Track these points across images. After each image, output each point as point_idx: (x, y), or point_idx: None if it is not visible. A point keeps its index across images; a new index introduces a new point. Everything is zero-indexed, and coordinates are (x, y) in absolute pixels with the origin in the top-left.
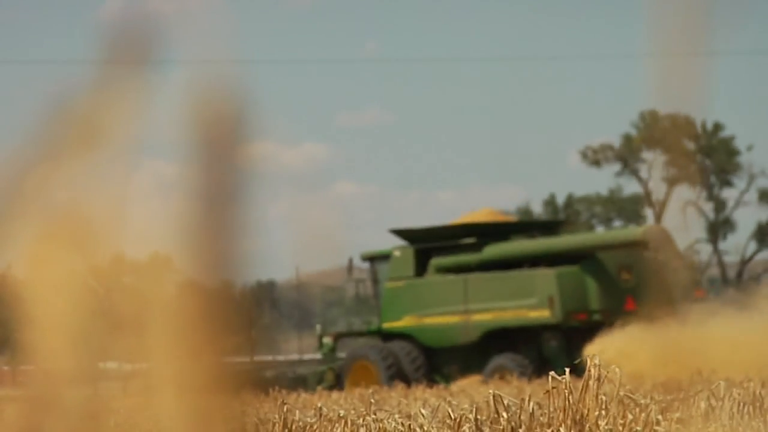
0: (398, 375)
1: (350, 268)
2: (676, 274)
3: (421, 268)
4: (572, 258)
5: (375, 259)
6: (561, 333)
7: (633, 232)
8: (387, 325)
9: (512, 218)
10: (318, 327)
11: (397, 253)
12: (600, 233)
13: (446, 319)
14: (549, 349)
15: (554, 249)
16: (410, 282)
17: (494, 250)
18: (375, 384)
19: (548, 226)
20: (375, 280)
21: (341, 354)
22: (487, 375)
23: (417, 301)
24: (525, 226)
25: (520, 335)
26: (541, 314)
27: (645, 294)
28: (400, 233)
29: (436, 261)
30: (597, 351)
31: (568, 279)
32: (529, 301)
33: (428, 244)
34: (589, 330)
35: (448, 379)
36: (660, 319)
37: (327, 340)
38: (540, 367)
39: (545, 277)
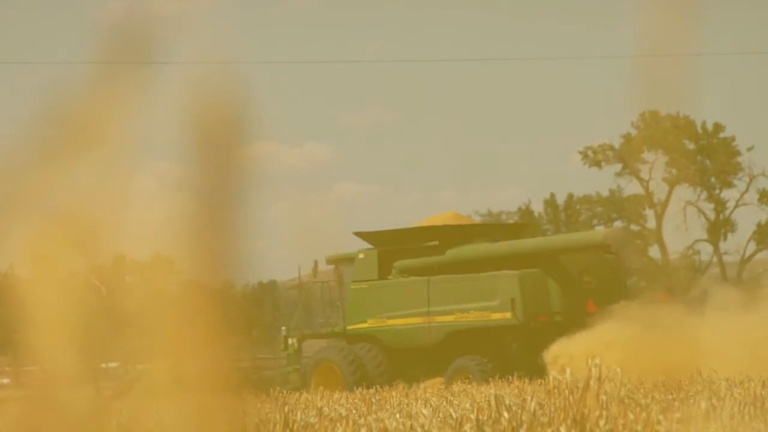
0: (362, 377)
1: (315, 270)
2: (636, 277)
3: (384, 271)
4: (534, 260)
5: (340, 261)
6: (523, 334)
7: (594, 235)
8: (351, 327)
9: (475, 222)
10: (283, 329)
11: (361, 256)
12: (562, 236)
13: (409, 321)
14: (511, 350)
15: (516, 251)
16: (374, 284)
17: (457, 252)
18: (340, 386)
19: (511, 229)
20: (340, 283)
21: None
22: (449, 376)
23: (381, 303)
24: (487, 228)
25: (482, 337)
26: (504, 316)
27: (606, 296)
28: (365, 236)
29: (399, 263)
30: (559, 352)
31: (530, 281)
32: (492, 303)
33: (392, 247)
34: (551, 331)
35: (412, 380)
36: (622, 320)
37: (292, 341)
38: (502, 368)
39: (507, 279)
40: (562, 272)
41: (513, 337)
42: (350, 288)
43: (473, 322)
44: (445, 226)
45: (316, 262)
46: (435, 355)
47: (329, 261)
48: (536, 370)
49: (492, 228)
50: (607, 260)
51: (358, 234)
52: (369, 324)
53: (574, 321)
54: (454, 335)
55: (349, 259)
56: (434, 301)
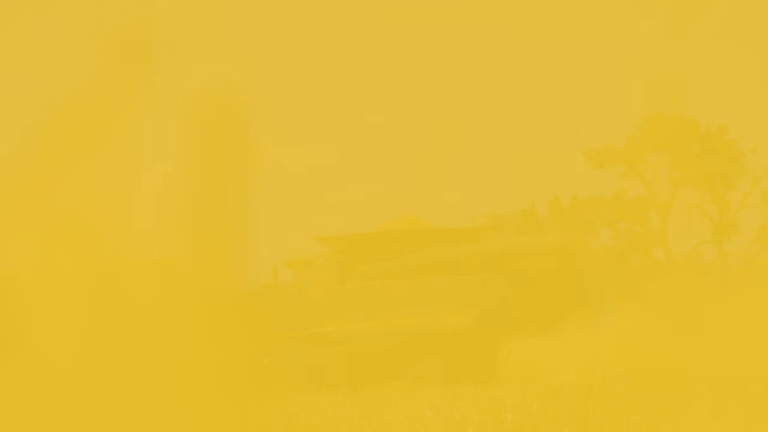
0: (322, 380)
1: (275, 274)
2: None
3: (344, 275)
4: (494, 265)
5: (300, 265)
6: (482, 338)
7: (552, 239)
8: (311, 331)
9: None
10: None
11: (321, 260)
12: (521, 240)
13: (369, 324)
14: (471, 354)
15: (476, 256)
16: (334, 288)
17: (417, 257)
18: (298, 389)
19: (471, 233)
20: (300, 287)
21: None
22: (408, 380)
23: (340, 307)
24: (447, 233)
25: (442, 341)
26: (463, 320)
27: (565, 300)
28: (325, 240)
29: (359, 268)
30: (520, 355)
31: (489, 285)
32: (451, 307)
33: (352, 251)
34: (509, 335)
35: (370, 384)
36: (578, 323)
37: None
38: (462, 372)
39: (466, 283)
40: (521, 276)
41: (472, 341)
42: (310, 292)
43: (432, 326)
44: (405, 231)
45: (275, 267)
46: (394, 359)
47: (289, 265)
48: (496, 374)
49: (452, 232)
50: (567, 264)
51: (318, 238)
52: (329, 328)
53: (534, 325)
54: (414, 339)
55: (309, 263)
56: (394, 305)
